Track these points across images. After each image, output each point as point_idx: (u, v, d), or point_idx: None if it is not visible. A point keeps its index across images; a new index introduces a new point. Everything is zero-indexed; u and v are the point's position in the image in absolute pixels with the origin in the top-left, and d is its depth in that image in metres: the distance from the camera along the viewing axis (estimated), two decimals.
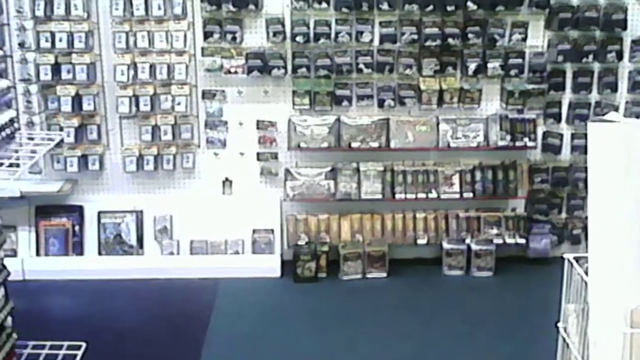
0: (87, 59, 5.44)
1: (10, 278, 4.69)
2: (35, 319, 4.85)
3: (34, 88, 5.48)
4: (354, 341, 4.80)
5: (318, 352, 4.69)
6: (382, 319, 5.07)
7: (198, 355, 4.61)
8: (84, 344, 4.23)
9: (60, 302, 5.42)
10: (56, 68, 5.45)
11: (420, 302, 5.34)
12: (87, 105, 5.56)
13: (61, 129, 5.54)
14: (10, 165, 3.58)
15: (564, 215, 5.88)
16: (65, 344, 4.21)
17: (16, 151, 3.68)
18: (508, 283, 5.62)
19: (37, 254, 5.75)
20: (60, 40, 5.41)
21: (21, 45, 5.41)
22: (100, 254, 5.78)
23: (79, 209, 5.79)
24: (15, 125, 3.89)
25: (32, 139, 4.01)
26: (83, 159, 5.67)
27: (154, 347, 4.75)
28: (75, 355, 4.15)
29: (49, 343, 4.20)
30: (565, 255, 3.05)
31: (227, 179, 5.81)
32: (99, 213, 5.78)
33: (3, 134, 3.68)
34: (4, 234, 5.65)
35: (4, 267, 3.82)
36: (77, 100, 5.53)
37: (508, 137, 5.50)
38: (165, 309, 5.24)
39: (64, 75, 5.46)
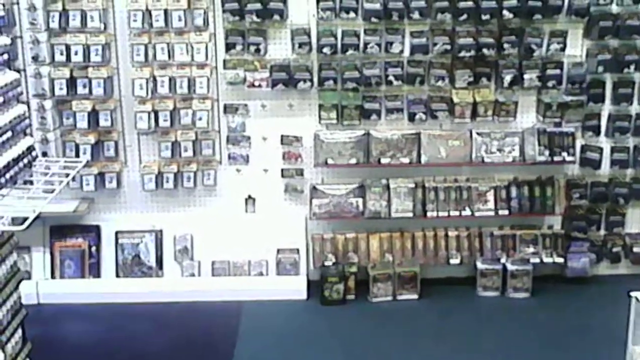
0: (104, 72, 5.23)
1: (24, 301, 4.47)
2: (50, 345, 4.68)
3: (48, 104, 5.27)
4: None
5: None
6: (413, 344, 4.84)
7: None
8: None
9: (77, 327, 5.19)
10: (71, 82, 5.25)
11: (454, 326, 5.10)
12: (104, 121, 5.34)
13: (77, 146, 5.34)
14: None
15: (602, 232, 5.64)
16: None
17: (31, 182, 3.43)
18: (546, 304, 5.37)
19: (52, 276, 5.54)
20: (76, 53, 5.20)
21: (35, 58, 5.19)
22: (118, 276, 5.56)
23: (96, 229, 5.58)
24: (34, 153, 3.65)
25: (49, 168, 3.74)
26: (100, 177, 5.46)
27: None
28: None
29: None
30: (632, 294, 2.79)
31: (250, 197, 5.59)
32: (117, 233, 5.57)
33: (21, 164, 3.43)
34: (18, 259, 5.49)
35: (22, 306, 3.59)
36: (93, 115, 5.32)
37: (546, 152, 5.25)
38: (187, 334, 5.01)
39: (80, 90, 5.26)
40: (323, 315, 5.27)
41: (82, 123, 5.29)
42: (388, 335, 4.96)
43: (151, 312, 5.25)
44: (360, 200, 5.39)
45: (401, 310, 5.34)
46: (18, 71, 5.20)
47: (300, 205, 5.56)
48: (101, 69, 5.22)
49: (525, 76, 5.25)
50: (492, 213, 5.41)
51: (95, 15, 5.15)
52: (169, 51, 5.22)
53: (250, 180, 5.55)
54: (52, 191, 3.39)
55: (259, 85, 5.29)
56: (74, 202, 5.46)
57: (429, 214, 5.39)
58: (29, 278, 5.45)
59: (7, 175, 3.45)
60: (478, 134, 5.35)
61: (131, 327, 5.12)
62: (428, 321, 5.18)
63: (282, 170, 5.50)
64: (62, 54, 5.20)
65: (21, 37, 5.21)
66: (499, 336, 4.92)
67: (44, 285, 5.43)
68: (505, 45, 5.19)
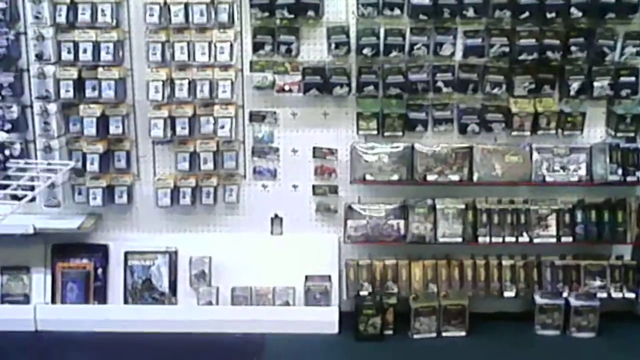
0: (116, 73, 4.74)
1: (21, 328, 3.90)
2: None
3: (53, 107, 4.79)
4: None
5: None
6: None
7: None
8: None
9: (78, 359, 4.68)
10: (79, 84, 4.76)
11: None
12: (114, 128, 4.85)
13: (84, 156, 4.84)
14: None
15: None
16: None
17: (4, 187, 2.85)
18: (615, 346, 4.73)
19: (53, 300, 5.05)
20: (85, 51, 4.72)
21: (39, 56, 4.72)
22: (126, 302, 5.06)
23: (103, 249, 5.08)
24: (6, 152, 3.06)
25: (24, 170, 3.16)
26: (109, 191, 4.95)
27: None
28: None
29: None
30: None
31: (276, 216, 5.05)
32: (126, 254, 5.06)
33: None
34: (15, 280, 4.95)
35: None
36: (103, 122, 4.83)
37: (619, 171, 4.62)
38: None
39: (89, 93, 4.77)
40: (357, 353, 4.72)
41: (90, 130, 4.79)
42: None
43: (162, 344, 4.74)
44: (401, 222, 4.83)
45: (446, 348, 4.74)
46: (20, 71, 4.80)
47: (333, 226, 5.02)
48: (112, 70, 4.74)
49: (595, 84, 4.66)
50: (553, 240, 4.81)
51: (107, 9, 4.68)
52: (188, 50, 4.73)
53: (278, 197, 5.03)
54: (21, 198, 2.76)
55: (290, 90, 4.75)
56: (79, 218, 4.97)
57: (480, 239, 4.81)
58: (27, 302, 5.01)
59: None
60: (539, 149, 4.77)
61: None
62: None
63: (313, 187, 4.97)
64: (69, 52, 4.73)
65: (25, 32, 4.77)
66: None
67: (44, 310, 4.95)
68: (573, 48, 4.61)
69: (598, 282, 4.86)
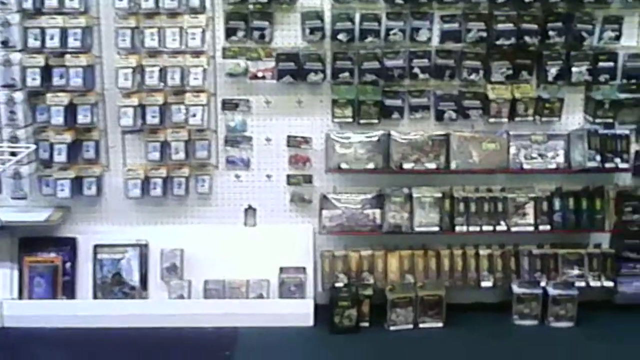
0: (84, 60, 4.61)
1: None
2: None
3: (19, 96, 4.64)
4: None
5: None
6: None
7: None
8: None
9: (47, 355, 4.51)
10: (46, 72, 4.62)
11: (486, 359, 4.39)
12: (82, 117, 4.71)
13: (51, 146, 4.70)
14: None
15: None
16: None
17: None
18: (593, 335, 4.66)
19: (20, 296, 4.88)
20: (52, 38, 4.59)
21: (4, 43, 4.59)
22: (95, 296, 4.91)
23: (71, 242, 4.93)
24: None
25: None
26: (77, 182, 4.80)
27: None
28: None
29: None
30: None
31: (250, 207, 4.94)
32: (95, 247, 4.91)
33: None
34: None
35: None
36: (71, 110, 4.68)
37: (597, 157, 4.57)
38: None
39: (56, 81, 4.64)
40: (332, 345, 4.59)
41: (58, 119, 4.65)
42: None
43: (133, 339, 4.59)
44: (377, 212, 4.73)
45: (423, 340, 4.64)
46: None
47: (308, 217, 4.92)
48: (80, 57, 4.61)
49: (574, 69, 4.63)
50: (531, 228, 4.75)
51: None
52: (159, 37, 4.61)
53: (251, 188, 4.92)
54: None
55: (263, 77, 4.65)
56: (47, 211, 4.83)
57: (457, 228, 4.73)
58: None
59: None
60: (516, 136, 4.71)
61: (110, 356, 4.47)
62: (455, 353, 4.49)
63: (287, 176, 4.86)
64: (36, 38, 4.60)
65: None
66: None
67: (10, 306, 4.79)
68: (551, 33, 4.58)
69: (576, 271, 4.81)
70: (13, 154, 3.07)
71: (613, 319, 4.80)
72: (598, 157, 4.59)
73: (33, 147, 3.77)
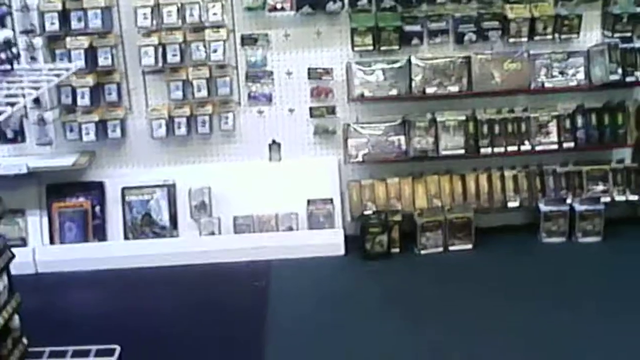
0: (102, 1, 4.53)
1: (20, 271, 3.76)
2: (51, 320, 3.99)
3: (38, 41, 4.57)
4: (436, 328, 3.87)
5: (395, 341, 3.75)
6: (469, 300, 4.14)
7: (260, 355, 3.68)
8: (118, 347, 3.30)
9: (82, 298, 4.53)
10: (64, 15, 4.55)
11: (516, 278, 4.40)
12: (103, 60, 4.66)
13: (73, 90, 4.66)
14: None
15: None
16: (94, 348, 3.27)
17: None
18: (620, 249, 4.67)
19: (51, 241, 4.87)
20: None
21: None
22: (126, 238, 4.90)
23: (99, 186, 4.91)
24: (14, 50, 2.92)
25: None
26: (101, 126, 4.76)
27: (203, 346, 3.82)
28: None
29: (71, 348, 3.25)
30: None
31: (274, 142, 4.91)
32: (123, 190, 4.90)
33: None
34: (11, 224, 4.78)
35: (6, 247, 2.87)
36: (91, 54, 4.62)
37: (619, 70, 4.53)
38: (208, 300, 4.31)
39: (74, 24, 4.57)
40: (365, 271, 4.60)
41: (79, 62, 4.49)
42: (440, 291, 4.27)
43: (166, 277, 4.60)
44: (402, 138, 4.71)
45: (454, 262, 4.66)
46: (1, 4, 4.59)
47: (332, 148, 4.90)
48: None
49: None
50: (555, 146, 4.73)
51: None
52: None
53: (275, 122, 4.89)
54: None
55: (282, 8, 4.59)
56: (73, 156, 4.79)
57: (482, 150, 4.70)
58: (25, 245, 4.81)
59: None
60: (537, 55, 4.66)
61: (144, 295, 4.45)
62: (486, 274, 4.48)
63: (310, 109, 4.83)
64: None
65: None
66: (568, 287, 4.22)
67: (42, 252, 4.78)
68: None
69: (601, 187, 4.81)
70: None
71: (639, 233, 4.82)
72: (620, 70, 4.54)
73: (74, 65, 3.66)
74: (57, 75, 2.93)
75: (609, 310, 3.92)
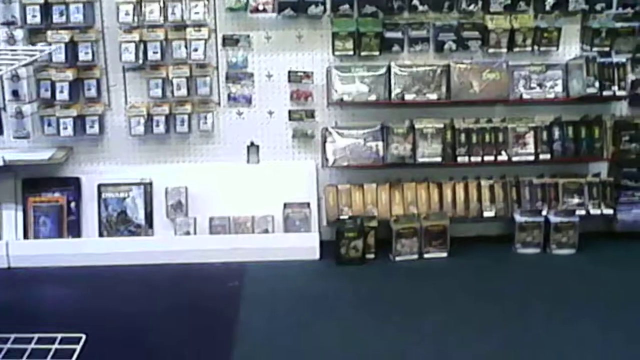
0: None
1: None
2: (23, 315, 3.96)
3: (19, 34, 4.59)
4: (409, 334, 3.84)
5: (368, 347, 3.72)
6: (443, 307, 4.12)
7: (228, 353, 3.65)
8: (83, 336, 3.27)
9: (54, 294, 4.45)
10: (46, 8, 4.55)
11: (489, 285, 4.39)
12: (84, 55, 4.65)
13: (52, 84, 4.66)
14: None
15: None
16: (59, 336, 3.24)
17: None
18: (594, 262, 4.68)
19: (25, 236, 4.83)
20: None
21: None
22: (101, 235, 4.87)
23: (75, 182, 4.88)
24: None
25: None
26: (80, 121, 4.75)
27: (170, 343, 3.78)
28: (74, 350, 3.17)
29: (36, 335, 3.22)
30: None
31: (252, 144, 4.91)
32: (99, 186, 4.87)
33: None
34: None
35: None
36: (71, 48, 4.62)
37: (596, 84, 4.57)
38: (181, 300, 4.27)
39: (56, 18, 4.57)
40: (339, 276, 4.57)
41: (59, 56, 4.58)
42: (414, 298, 4.24)
43: (140, 276, 4.56)
44: (380, 144, 4.72)
45: (429, 270, 4.64)
46: None
47: (310, 152, 4.90)
48: None
49: None
50: (531, 157, 4.73)
51: None
52: None
53: (253, 124, 4.88)
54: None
55: (264, 10, 4.61)
56: (50, 151, 4.76)
57: (459, 158, 4.71)
58: None
59: None
60: (515, 66, 4.69)
61: (117, 293, 4.40)
62: (459, 280, 4.47)
63: (289, 112, 4.82)
64: None
65: None
66: (542, 298, 4.20)
67: (16, 246, 4.73)
68: None
69: (576, 200, 4.82)
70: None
71: (613, 246, 4.84)
72: (597, 84, 4.58)
73: (51, 48, 3.65)
74: (32, 55, 2.92)
75: (585, 322, 3.90)
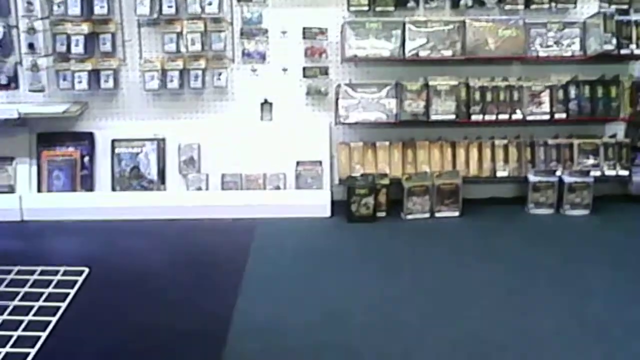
0: None
1: (6, 218, 3.74)
2: (32, 261, 3.89)
3: None
4: (410, 281, 3.83)
5: (370, 297, 3.68)
6: (453, 267, 4.04)
7: (231, 309, 3.56)
8: (86, 269, 3.27)
9: (65, 246, 4.45)
10: None
11: (502, 247, 4.29)
12: (99, 8, 4.65)
13: (68, 37, 4.66)
14: None
15: None
16: (62, 268, 3.25)
17: None
18: (607, 222, 4.60)
19: (39, 190, 4.85)
20: None
21: None
22: (114, 189, 4.88)
23: (89, 137, 4.89)
24: None
25: None
26: (94, 75, 4.75)
27: (175, 289, 3.77)
28: (75, 281, 3.19)
29: (39, 268, 3.23)
30: None
31: (266, 101, 4.88)
32: (113, 141, 4.88)
33: None
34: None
35: None
36: (87, 1, 4.62)
37: (614, 41, 4.49)
38: (191, 254, 4.25)
39: None
40: (350, 234, 4.52)
41: (75, 9, 4.58)
42: (424, 258, 4.16)
43: (151, 230, 4.55)
44: (394, 101, 4.67)
45: (440, 229, 4.58)
46: None
47: (324, 110, 4.86)
48: None
49: None
50: (547, 117, 4.67)
51: None
52: None
53: (267, 81, 4.85)
54: None
55: None
56: (65, 105, 4.76)
57: (473, 117, 4.66)
58: (12, 191, 4.80)
59: None
60: (532, 24, 4.62)
61: (128, 246, 4.38)
62: (471, 241, 4.39)
63: (304, 69, 4.79)
64: None
65: None
66: (554, 258, 4.11)
67: (30, 199, 4.75)
68: None
69: (591, 161, 4.76)
70: None
71: (627, 209, 4.78)
72: (614, 41, 4.49)
73: None
74: None
75: (596, 283, 3.81)
